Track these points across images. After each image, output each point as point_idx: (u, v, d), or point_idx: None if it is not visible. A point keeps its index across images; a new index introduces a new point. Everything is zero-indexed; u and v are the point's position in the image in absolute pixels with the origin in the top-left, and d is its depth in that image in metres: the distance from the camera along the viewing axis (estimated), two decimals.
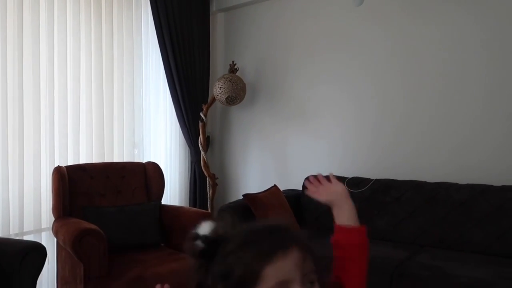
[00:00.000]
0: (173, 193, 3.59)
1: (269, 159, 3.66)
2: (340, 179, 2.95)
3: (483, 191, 2.44)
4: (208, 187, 3.62)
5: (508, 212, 2.32)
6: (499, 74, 2.61)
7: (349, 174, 3.16)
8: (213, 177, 3.59)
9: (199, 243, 0.73)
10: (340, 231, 0.94)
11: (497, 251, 2.30)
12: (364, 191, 2.82)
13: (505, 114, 2.59)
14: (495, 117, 2.63)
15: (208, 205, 3.61)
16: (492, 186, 2.45)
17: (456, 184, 2.57)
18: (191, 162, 3.68)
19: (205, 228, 0.76)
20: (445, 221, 2.49)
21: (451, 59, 2.77)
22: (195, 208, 2.64)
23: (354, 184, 2.89)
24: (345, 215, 0.97)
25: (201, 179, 3.64)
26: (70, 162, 2.80)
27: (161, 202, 2.78)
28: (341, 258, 0.91)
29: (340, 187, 1.03)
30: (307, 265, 0.69)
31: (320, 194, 1.03)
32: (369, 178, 2.91)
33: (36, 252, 1.81)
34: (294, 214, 2.91)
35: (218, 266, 0.70)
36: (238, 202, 2.77)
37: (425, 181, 2.70)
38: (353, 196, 2.98)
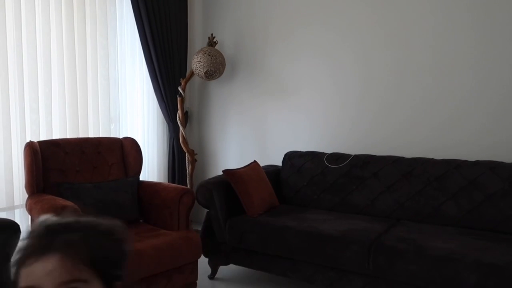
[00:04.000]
0: (151, 169, 3.54)
1: (248, 135, 3.64)
2: (320, 154, 2.99)
3: (458, 166, 2.50)
4: (187, 163, 3.58)
5: (480, 186, 2.39)
6: (486, 55, 2.62)
7: (328, 150, 3.18)
8: (192, 153, 3.55)
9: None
10: None
11: (470, 224, 2.38)
12: (343, 167, 2.85)
13: (485, 96, 2.62)
14: (474, 98, 2.66)
15: (187, 181, 3.59)
16: (466, 161, 2.51)
17: (432, 159, 2.63)
18: (170, 138, 3.62)
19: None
20: (421, 195, 2.55)
21: (436, 36, 2.75)
22: (174, 184, 2.60)
23: (333, 160, 2.92)
24: None
25: (179, 155, 3.60)
26: (43, 137, 2.70)
27: (139, 178, 2.73)
28: None
29: None
30: (68, 274, 0.66)
31: None
32: (348, 154, 2.93)
33: (10, 229, 1.75)
34: (274, 189, 2.92)
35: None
36: (217, 177, 2.76)
37: (403, 157, 2.74)
38: (332, 171, 3.01)
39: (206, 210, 2.72)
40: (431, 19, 2.76)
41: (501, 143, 2.59)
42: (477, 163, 2.47)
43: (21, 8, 2.55)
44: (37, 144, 2.43)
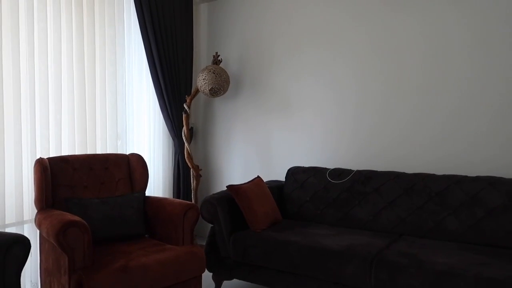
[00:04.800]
0: (157, 185, 3.60)
1: (252, 151, 3.70)
2: (322, 170, 3.04)
3: (458, 181, 2.54)
4: (192, 178, 3.64)
5: (481, 201, 2.43)
6: (477, 70, 2.70)
7: (330, 165, 3.24)
8: (196, 168, 3.61)
9: None
10: None
11: (471, 238, 2.41)
12: (345, 182, 2.89)
13: (481, 108, 2.69)
14: (470, 111, 2.72)
15: (192, 196, 3.64)
16: (467, 176, 2.55)
17: (433, 175, 2.67)
18: (175, 154, 3.68)
19: None
20: (423, 210, 2.58)
21: (430, 52, 2.85)
22: (179, 200, 2.65)
23: (335, 175, 2.96)
24: None
25: (184, 170, 3.66)
26: (52, 153, 2.78)
27: (145, 194, 2.78)
28: None
29: None
30: None
31: None
32: (350, 169, 2.98)
33: (20, 244, 1.80)
34: (277, 204, 2.97)
35: None
36: (222, 193, 2.80)
37: (404, 172, 2.79)
38: (334, 186, 3.05)
39: (210, 225, 2.76)
40: (422, 42, 2.88)
41: (490, 156, 2.66)
42: (477, 178, 2.50)
43: (33, 26, 2.65)
44: (47, 160, 2.50)
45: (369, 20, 3.08)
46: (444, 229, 2.49)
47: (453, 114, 2.79)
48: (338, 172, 2.98)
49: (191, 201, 3.62)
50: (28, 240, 1.85)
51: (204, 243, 2.81)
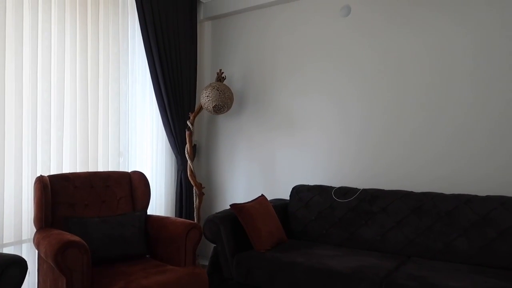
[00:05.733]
0: (159, 203, 3.54)
1: (256, 168, 3.65)
2: (328, 188, 2.98)
3: (468, 201, 2.47)
4: (194, 197, 3.58)
5: (492, 222, 2.35)
6: (482, 86, 2.67)
7: (335, 184, 3.18)
8: (199, 186, 3.55)
9: None
10: None
11: (482, 261, 2.33)
12: (351, 201, 2.83)
13: (489, 125, 2.64)
14: (478, 128, 2.68)
15: (195, 215, 3.57)
16: (476, 196, 2.48)
17: (442, 194, 2.60)
18: (178, 171, 3.64)
19: None
20: (431, 230, 2.51)
21: (434, 69, 2.82)
22: (181, 219, 2.59)
23: (341, 194, 2.90)
24: None
25: (187, 188, 3.61)
26: (53, 170, 2.73)
27: (146, 212, 2.73)
28: None
29: None
30: None
31: None
32: (356, 188, 2.92)
33: (17, 266, 1.75)
34: (282, 223, 2.90)
35: None
36: (225, 212, 2.75)
37: (412, 191, 2.72)
38: (340, 205, 2.99)
39: (213, 245, 2.70)
40: (427, 59, 2.85)
41: (498, 173, 2.60)
42: (487, 198, 2.44)
43: (37, 43, 2.65)
44: (47, 178, 2.46)
45: (373, 37, 3.07)
46: (454, 250, 2.41)
47: (458, 131, 2.74)
48: (344, 191, 2.92)
49: (194, 220, 3.56)
50: (25, 262, 1.79)
51: (206, 264, 2.74)
